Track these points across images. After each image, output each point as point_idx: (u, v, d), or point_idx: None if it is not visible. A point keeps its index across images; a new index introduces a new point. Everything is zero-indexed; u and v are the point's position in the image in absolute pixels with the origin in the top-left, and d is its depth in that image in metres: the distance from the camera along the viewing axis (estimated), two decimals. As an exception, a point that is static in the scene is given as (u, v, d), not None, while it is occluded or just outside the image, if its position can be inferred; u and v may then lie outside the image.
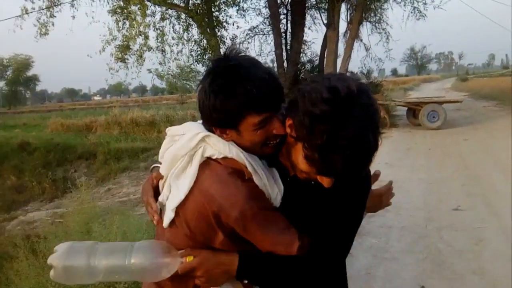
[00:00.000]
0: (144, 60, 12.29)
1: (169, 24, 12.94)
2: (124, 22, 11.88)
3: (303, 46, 13.95)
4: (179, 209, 1.13)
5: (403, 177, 6.77)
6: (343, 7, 13.55)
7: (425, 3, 13.81)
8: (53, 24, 12.09)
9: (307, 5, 14.09)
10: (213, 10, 12.76)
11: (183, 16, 12.80)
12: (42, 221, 7.24)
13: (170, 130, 1.25)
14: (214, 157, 1.12)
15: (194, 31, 13.17)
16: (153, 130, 15.97)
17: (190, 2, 12.38)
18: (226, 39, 13.22)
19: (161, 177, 1.23)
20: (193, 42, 13.33)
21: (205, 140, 1.13)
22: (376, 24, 15.47)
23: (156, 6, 12.05)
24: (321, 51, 14.24)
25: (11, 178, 11.95)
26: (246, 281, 1.16)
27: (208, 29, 12.27)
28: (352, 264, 3.68)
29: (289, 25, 13.81)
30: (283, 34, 13.62)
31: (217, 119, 1.10)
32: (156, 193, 1.25)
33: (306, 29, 14.04)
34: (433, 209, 5.27)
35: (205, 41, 12.85)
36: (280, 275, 1.15)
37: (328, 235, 1.16)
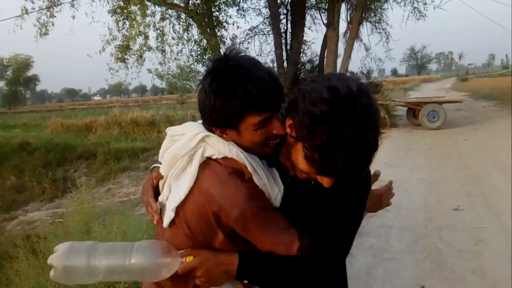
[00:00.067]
0: (144, 60, 12.32)
1: (169, 24, 12.98)
2: (124, 22, 11.89)
3: (303, 46, 13.96)
4: (179, 209, 1.13)
5: (403, 177, 6.77)
6: (343, 7, 13.57)
7: (425, 3, 13.84)
8: (53, 24, 12.11)
9: (307, 5, 14.09)
10: (213, 10, 12.76)
11: (183, 16, 12.81)
12: (42, 221, 7.25)
13: (170, 130, 1.25)
14: (214, 157, 1.12)
15: (194, 31, 13.20)
16: (153, 130, 15.98)
17: (190, 2, 12.39)
18: (226, 39, 13.26)
19: (161, 177, 1.23)
20: (193, 42, 13.35)
21: (205, 140, 1.13)
22: (376, 24, 15.47)
23: (156, 6, 12.06)
24: (321, 51, 14.25)
25: (11, 178, 11.96)
26: (246, 281, 1.16)
27: (208, 29, 12.28)
28: (352, 264, 3.69)
29: (289, 25, 13.82)
30: (283, 34, 13.62)
31: (217, 119, 1.10)
32: (156, 193, 1.25)
33: (306, 29, 14.08)
34: (433, 209, 5.26)
35: (205, 41, 12.86)
36: (280, 275, 1.15)
37: (328, 235, 1.16)
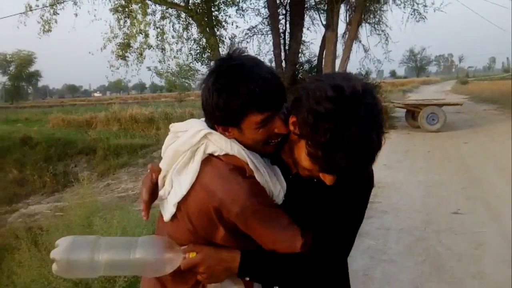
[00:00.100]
0: (144, 58, 12.44)
1: (169, 23, 13.09)
2: (125, 21, 12.02)
3: (301, 47, 13.96)
4: (181, 204, 1.14)
5: (401, 179, 6.77)
6: (342, 8, 13.52)
7: (425, 5, 13.82)
8: (56, 22, 12.22)
9: (306, 5, 14.11)
10: (212, 9, 12.84)
11: (183, 15, 12.88)
12: (43, 214, 7.32)
13: (174, 127, 1.26)
14: (216, 154, 1.13)
15: (194, 30, 13.31)
16: (151, 127, 16.05)
17: (190, 1, 12.46)
18: (225, 38, 13.34)
19: (159, 169, 1.23)
20: (193, 41, 13.47)
21: (207, 137, 1.14)
22: (375, 26, 15.35)
23: (157, 5, 12.14)
24: (319, 51, 14.27)
25: (13, 172, 12.02)
26: (247, 279, 1.16)
27: (207, 28, 12.35)
28: (349, 265, 3.65)
29: (288, 25, 13.84)
30: (282, 34, 13.67)
31: (219, 117, 1.11)
32: (155, 188, 1.25)
33: (304, 30, 14.10)
34: (432, 212, 5.23)
35: (204, 40, 12.95)
36: (282, 273, 1.15)
37: (330, 233, 1.16)
